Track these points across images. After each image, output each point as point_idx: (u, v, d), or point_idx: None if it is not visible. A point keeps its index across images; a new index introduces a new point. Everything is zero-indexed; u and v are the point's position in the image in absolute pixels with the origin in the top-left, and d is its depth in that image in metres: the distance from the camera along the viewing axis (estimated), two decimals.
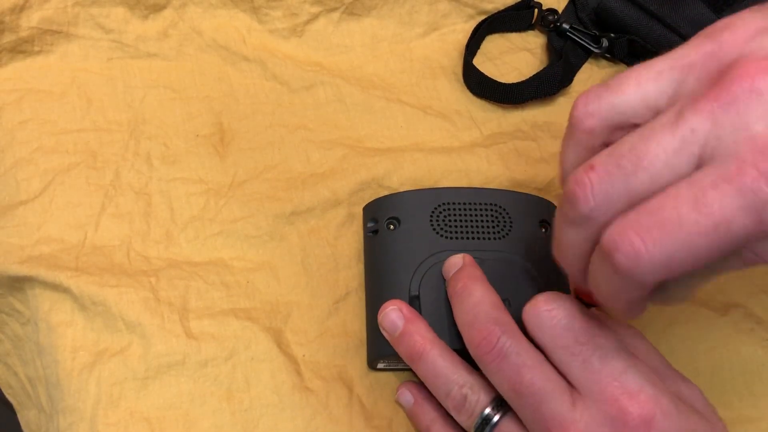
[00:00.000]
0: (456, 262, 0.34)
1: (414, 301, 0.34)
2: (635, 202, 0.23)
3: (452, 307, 0.32)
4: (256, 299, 0.37)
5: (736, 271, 0.26)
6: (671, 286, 0.26)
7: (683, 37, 0.42)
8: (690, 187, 0.22)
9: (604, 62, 0.46)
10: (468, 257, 0.34)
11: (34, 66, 0.42)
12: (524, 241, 0.36)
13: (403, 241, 0.36)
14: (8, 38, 0.41)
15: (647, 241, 0.22)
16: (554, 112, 0.44)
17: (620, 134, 0.25)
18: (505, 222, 0.36)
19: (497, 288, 0.33)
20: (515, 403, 0.29)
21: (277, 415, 0.34)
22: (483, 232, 0.36)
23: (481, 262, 0.34)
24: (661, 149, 0.23)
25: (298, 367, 0.35)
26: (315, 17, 0.44)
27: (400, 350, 0.32)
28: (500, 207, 0.36)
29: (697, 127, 0.22)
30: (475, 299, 0.31)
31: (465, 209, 0.36)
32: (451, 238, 0.35)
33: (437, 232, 0.35)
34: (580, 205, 0.24)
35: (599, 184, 0.23)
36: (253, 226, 0.39)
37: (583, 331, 0.28)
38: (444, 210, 0.36)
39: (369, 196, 0.40)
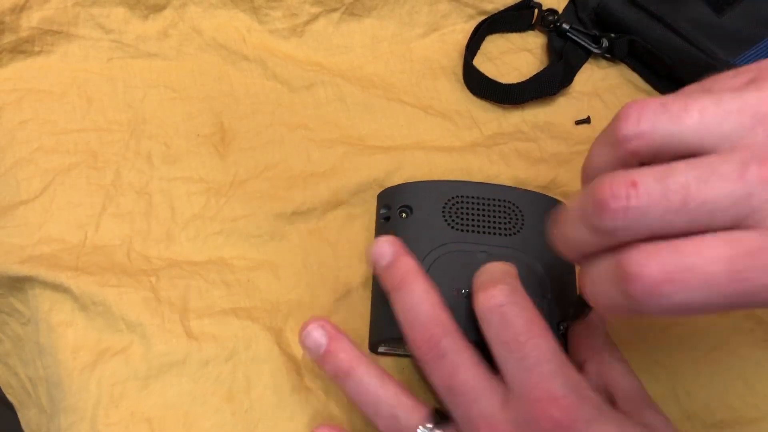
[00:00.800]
0: (384, 252, 0.33)
1: None
2: (664, 235, 0.22)
3: (391, 300, 0.32)
4: (256, 298, 0.37)
5: None
6: None
7: (683, 37, 0.42)
8: (731, 246, 0.22)
9: (604, 62, 0.46)
10: (398, 244, 0.33)
11: (35, 66, 0.42)
12: (534, 240, 0.36)
13: (413, 229, 0.36)
14: (8, 38, 0.41)
15: (671, 282, 0.22)
16: (554, 113, 0.44)
17: (661, 159, 0.23)
18: (517, 219, 0.36)
19: None
20: (449, 401, 0.29)
21: (277, 415, 0.34)
22: (494, 227, 0.36)
23: (488, 257, 0.34)
24: (713, 198, 0.22)
25: (299, 368, 0.35)
26: (315, 17, 0.44)
27: (326, 369, 0.32)
28: (514, 204, 0.37)
29: (757, 192, 0.21)
30: (416, 297, 0.31)
31: (478, 203, 0.36)
32: (462, 230, 0.35)
33: (448, 224, 0.36)
34: (607, 217, 0.23)
35: (637, 206, 0.22)
36: (254, 225, 0.39)
37: (525, 330, 0.28)
38: (457, 202, 0.36)
39: (370, 197, 0.40)
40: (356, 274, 0.38)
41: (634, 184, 0.22)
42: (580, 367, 0.34)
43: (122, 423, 0.33)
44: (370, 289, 0.37)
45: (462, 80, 0.45)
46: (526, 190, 0.38)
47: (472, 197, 0.36)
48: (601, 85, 0.45)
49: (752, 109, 0.22)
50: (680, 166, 0.22)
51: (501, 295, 0.29)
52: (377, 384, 0.31)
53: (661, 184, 0.22)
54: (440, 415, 0.30)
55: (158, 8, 0.43)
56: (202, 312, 0.36)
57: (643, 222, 0.22)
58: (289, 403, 0.34)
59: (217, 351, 0.35)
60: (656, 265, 0.22)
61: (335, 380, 0.32)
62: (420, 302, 0.31)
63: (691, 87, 0.25)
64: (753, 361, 0.37)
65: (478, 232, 0.36)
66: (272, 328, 0.36)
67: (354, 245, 0.39)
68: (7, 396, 0.42)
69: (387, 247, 0.33)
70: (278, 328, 0.36)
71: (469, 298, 0.32)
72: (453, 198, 0.36)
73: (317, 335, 0.32)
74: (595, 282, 0.25)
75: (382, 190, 0.39)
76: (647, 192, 0.22)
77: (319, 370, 0.35)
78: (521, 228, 0.36)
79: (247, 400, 0.34)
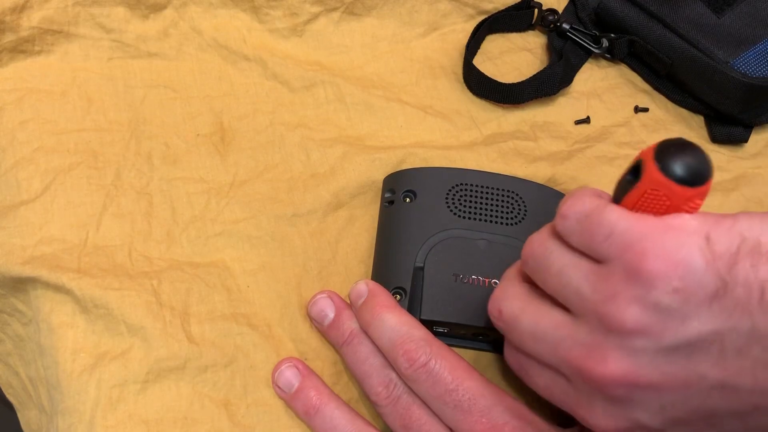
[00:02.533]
0: (325, 310, 0.35)
1: (418, 272, 0.35)
2: None
3: (342, 354, 0.34)
4: (256, 304, 0.37)
5: None
6: None
7: (683, 37, 0.42)
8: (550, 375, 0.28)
9: (604, 62, 0.46)
10: (337, 299, 0.35)
11: (35, 66, 0.42)
12: (536, 231, 0.36)
13: (416, 213, 0.36)
14: (9, 38, 0.41)
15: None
16: (554, 112, 0.44)
17: None
18: (519, 209, 0.37)
19: (501, 273, 0.34)
20: None
21: (273, 422, 0.34)
22: (496, 216, 0.36)
23: (489, 245, 0.35)
24: (543, 348, 0.28)
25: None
26: (315, 17, 0.44)
27: (297, 407, 0.34)
28: (517, 195, 0.37)
29: (562, 369, 0.27)
30: (368, 349, 0.33)
31: (482, 191, 0.37)
32: (464, 217, 0.36)
33: (451, 210, 0.36)
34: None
35: (502, 327, 0.30)
36: (255, 227, 0.39)
37: (452, 378, 0.30)
38: (461, 189, 0.37)
39: (370, 199, 0.40)
40: (357, 276, 0.38)
41: (499, 312, 0.30)
42: None
43: (120, 426, 0.34)
44: None
45: (462, 80, 0.45)
46: (530, 182, 0.38)
47: (476, 185, 0.37)
48: (601, 85, 0.45)
49: None
50: (526, 317, 0.29)
51: (424, 356, 0.31)
52: (347, 420, 0.33)
53: (513, 319, 0.29)
54: None
55: (158, 8, 0.43)
56: (203, 317, 0.36)
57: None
58: (286, 411, 0.35)
59: (216, 357, 0.35)
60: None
61: (305, 417, 0.33)
62: (373, 352, 0.33)
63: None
64: None
65: (480, 220, 0.36)
66: (272, 334, 0.36)
67: (355, 247, 0.39)
68: (8, 396, 0.42)
69: (328, 304, 0.35)
70: (278, 333, 0.36)
71: (465, 283, 0.34)
72: (457, 185, 0.37)
73: (289, 374, 0.34)
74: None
75: (387, 175, 0.39)
76: (506, 317, 0.30)
77: (320, 373, 0.35)
78: (523, 218, 0.36)
79: (243, 407, 0.35)
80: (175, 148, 0.41)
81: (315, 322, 0.36)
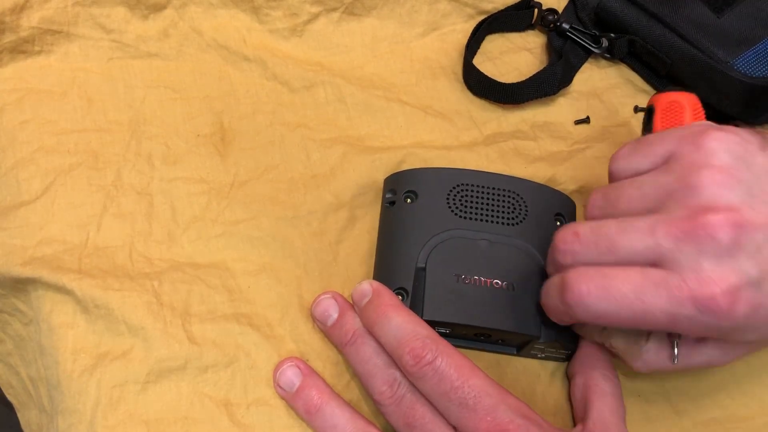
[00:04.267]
0: (329, 310, 0.35)
1: (420, 273, 0.35)
2: (599, 263, 0.30)
3: (345, 354, 0.34)
4: (257, 303, 0.37)
5: None
6: (612, 332, 0.33)
7: (683, 37, 0.42)
8: (641, 277, 0.28)
9: (603, 62, 0.46)
10: (341, 300, 0.36)
11: (35, 66, 0.42)
12: (537, 231, 0.36)
13: (417, 214, 0.36)
14: (9, 38, 0.41)
15: (592, 295, 0.29)
16: (554, 112, 0.44)
17: None
18: (520, 210, 0.37)
19: (503, 273, 0.34)
20: None
21: (273, 421, 0.34)
22: (497, 217, 0.36)
23: (491, 245, 0.35)
24: (631, 245, 0.29)
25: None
26: (315, 17, 0.44)
27: (298, 406, 0.34)
28: (518, 195, 0.37)
29: (664, 243, 0.28)
30: (371, 348, 0.33)
31: (483, 192, 0.37)
32: (466, 218, 0.36)
33: (452, 211, 0.36)
34: (559, 257, 0.31)
35: (578, 251, 0.31)
36: (256, 228, 0.39)
37: (457, 376, 0.31)
38: (462, 190, 0.37)
39: (370, 200, 0.40)
40: (358, 277, 0.38)
41: (576, 234, 0.31)
42: (571, 377, 0.36)
43: (120, 426, 0.34)
44: None
45: (462, 80, 0.45)
46: (531, 182, 0.38)
47: (477, 186, 0.37)
48: (601, 85, 0.45)
49: (664, 188, 0.30)
50: (610, 222, 0.30)
51: (430, 353, 0.31)
52: (347, 419, 0.33)
53: (594, 234, 0.30)
54: None
55: (158, 8, 0.43)
56: (204, 316, 0.36)
57: (583, 259, 0.30)
58: (286, 411, 0.35)
59: (217, 358, 0.35)
60: (584, 282, 0.29)
61: (306, 416, 0.34)
62: (376, 351, 0.33)
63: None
64: (743, 360, 0.37)
65: (482, 220, 0.36)
66: (273, 334, 0.36)
67: (355, 248, 0.39)
68: (8, 396, 0.42)
69: (331, 305, 0.35)
70: (279, 333, 0.36)
71: (467, 283, 0.34)
72: (458, 185, 0.37)
73: (291, 373, 0.35)
74: (548, 293, 0.32)
75: (388, 176, 0.39)
76: (585, 240, 0.30)
77: (321, 373, 0.35)
78: (524, 218, 0.36)
79: (243, 407, 0.35)
80: (176, 148, 0.41)
81: (318, 323, 0.36)
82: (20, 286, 0.37)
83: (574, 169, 0.42)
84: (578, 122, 0.44)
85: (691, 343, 0.32)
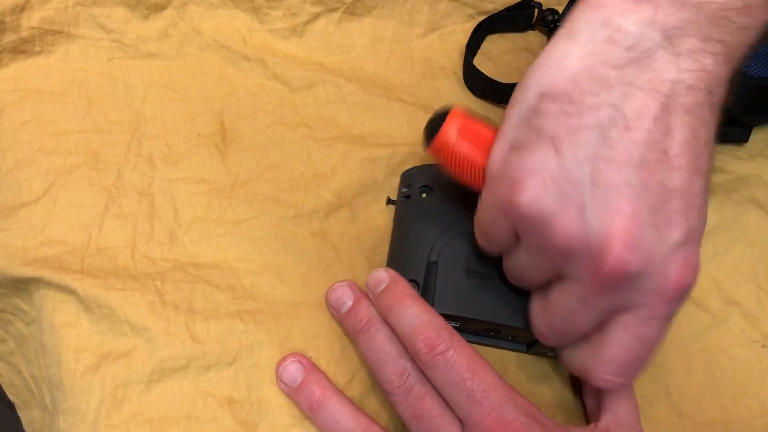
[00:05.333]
0: (343, 297, 0.35)
1: (431, 267, 0.35)
2: None
3: (357, 342, 0.34)
4: (261, 301, 0.37)
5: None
6: None
7: None
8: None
9: None
10: (356, 288, 0.35)
11: (35, 66, 0.42)
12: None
13: (431, 208, 0.37)
14: (9, 38, 0.41)
15: None
16: None
17: None
18: None
19: None
20: (415, 429, 0.32)
21: (276, 420, 0.34)
22: None
23: None
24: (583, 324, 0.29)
25: None
26: (315, 17, 0.44)
27: (300, 401, 0.34)
28: None
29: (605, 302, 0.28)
30: (384, 337, 0.33)
31: None
32: None
33: (466, 206, 0.36)
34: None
35: None
36: (257, 227, 0.39)
37: (468, 368, 0.31)
38: None
39: (371, 199, 0.40)
40: (361, 274, 0.38)
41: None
42: (581, 383, 0.36)
43: (123, 425, 0.34)
44: None
45: (462, 80, 0.45)
46: None
47: None
48: None
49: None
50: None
51: (443, 344, 0.31)
52: (349, 415, 0.33)
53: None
54: None
55: (159, 8, 0.43)
56: (207, 315, 0.36)
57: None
58: (289, 409, 0.35)
59: (220, 356, 0.35)
60: None
61: (308, 411, 0.34)
62: (389, 340, 0.33)
63: None
64: (744, 361, 0.38)
65: None
66: (276, 333, 0.36)
67: (357, 246, 0.39)
68: (10, 395, 0.42)
69: (346, 292, 0.35)
70: (283, 332, 0.36)
71: (478, 279, 0.34)
72: None
73: (293, 369, 0.35)
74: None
75: (404, 170, 0.39)
76: None
77: (324, 372, 0.36)
78: None
79: (246, 405, 0.35)
80: (177, 148, 0.41)
81: (332, 310, 0.36)
82: (22, 285, 0.37)
83: None
84: None
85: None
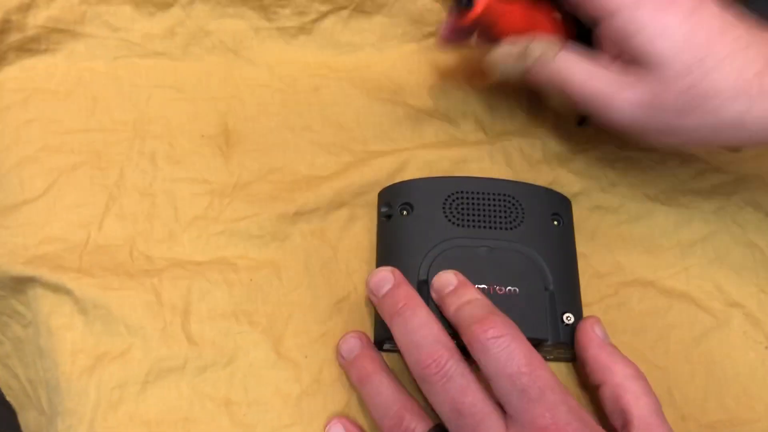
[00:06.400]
0: (385, 276, 0.34)
1: (422, 286, 0.34)
2: None
3: (392, 325, 0.33)
4: (258, 300, 0.37)
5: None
6: None
7: None
8: None
9: None
10: (398, 273, 0.34)
11: (41, 65, 0.42)
12: (536, 233, 0.36)
13: (415, 226, 0.36)
14: (15, 37, 0.41)
15: None
16: (557, 114, 0.44)
17: None
18: (517, 213, 0.37)
19: (505, 278, 0.34)
20: (454, 423, 0.30)
21: (274, 420, 0.34)
22: (495, 222, 0.36)
23: (490, 251, 0.35)
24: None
25: (298, 373, 0.35)
26: (324, 15, 0.44)
27: (351, 372, 0.34)
28: (513, 198, 0.37)
29: None
30: (421, 320, 0.32)
31: (478, 198, 0.37)
32: (463, 226, 0.36)
33: (449, 220, 0.36)
34: None
35: None
36: (257, 225, 0.39)
37: (526, 362, 0.29)
38: (457, 198, 0.37)
39: (372, 199, 0.40)
40: (358, 275, 0.38)
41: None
42: (594, 391, 0.35)
43: (120, 427, 0.33)
44: None
45: (468, 81, 0.44)
46: (525, 183, 0.38)
47: (472, 192, 0.37)
48: None
49: None
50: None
51: (501, 327, 0.30)
52: (392, 390, 0.33)
53: None
54: (443, 430, 0.31)
55: (165, 6, 0.43)
56: (203, 315, 0.36)
57: None
58: (286, 408, 0.34)
59: (216, 357, 0.35)
60: None
61: (357, 383, 0.34)
62: (426, 323, 0.32)
63: None
64: (747, 363, 0.38)
65: (479, 227, 0.36)
66: (273, 332, 0.36)
67: (356, 246, 0.39)
68: (7, 398, 0.42)
69: (387, 275, 0.34)
70: (279, 331, 0.36)
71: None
72: (453, 194, 0.37)
73: (353, 342, 0.35)
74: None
75: (381, 189, 0.39)
76: None
77: (317, 375, 0.36)
78: (522, 221, 0.36)
79: (244, 406, 0.34)
80: (180, 148, 0.41)
81: (371, 295, 0.35)
82: (19, 287, 0.37)
83: (576, 172, 0.42)
84: (580, 123, 0.44)
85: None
